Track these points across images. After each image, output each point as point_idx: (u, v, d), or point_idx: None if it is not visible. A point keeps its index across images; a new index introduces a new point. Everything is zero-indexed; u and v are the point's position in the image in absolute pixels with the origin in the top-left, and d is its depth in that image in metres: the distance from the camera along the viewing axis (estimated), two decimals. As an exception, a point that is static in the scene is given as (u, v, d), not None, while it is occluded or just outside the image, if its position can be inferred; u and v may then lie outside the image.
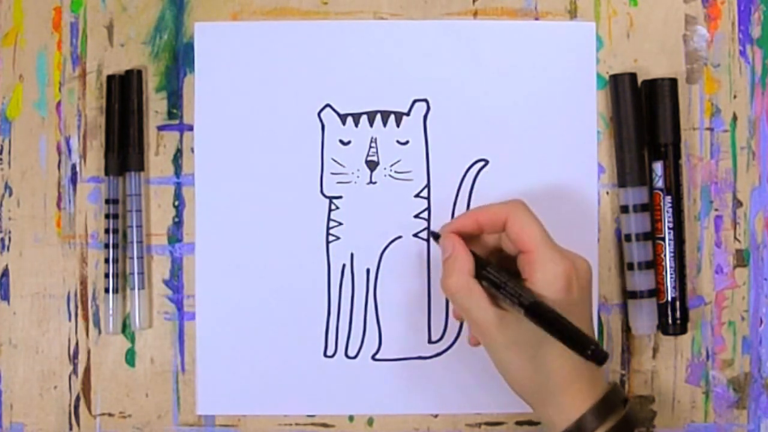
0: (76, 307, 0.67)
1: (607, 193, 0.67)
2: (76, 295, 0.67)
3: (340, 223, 0.67)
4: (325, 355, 0.66)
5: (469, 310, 0.58)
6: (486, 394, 0.66)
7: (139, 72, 0.67)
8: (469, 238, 0.61)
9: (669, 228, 0.65)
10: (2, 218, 0.67)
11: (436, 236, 0.63)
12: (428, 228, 0.67)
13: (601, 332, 0.67)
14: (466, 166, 0.67)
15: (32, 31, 0.67)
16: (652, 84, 0.66)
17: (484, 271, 0.58)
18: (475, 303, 0.57)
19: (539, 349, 0.57)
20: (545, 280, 0.56)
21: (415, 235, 0.67)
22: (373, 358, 0.67)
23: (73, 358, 0.67)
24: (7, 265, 0.67)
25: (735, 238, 0.67)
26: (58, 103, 0.67)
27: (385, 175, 0.67)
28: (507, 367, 0.58)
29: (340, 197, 0.67)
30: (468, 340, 0.63)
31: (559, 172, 0.67)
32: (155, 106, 0.67)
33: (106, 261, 0.66)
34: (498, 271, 0.57)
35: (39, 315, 0.67)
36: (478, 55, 0.67)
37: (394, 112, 0.67)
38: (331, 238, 0.67)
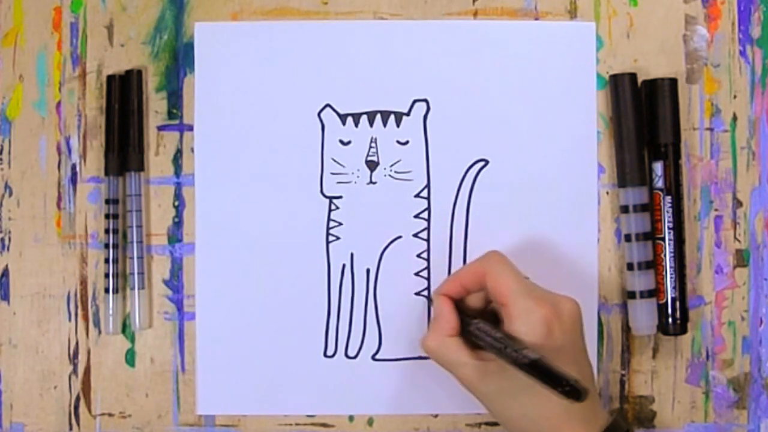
0: (76, 307, 0.67)
1: (607, 193, 0.67)
2: (76, 295, 0.67)
3: (340, 223, 0.67)
4: (325, 355, 0.66)
5: (449, 367, 0.60)
6: (486, 394, 0.66)
7: (139, 72, 0.67)
8: (457, 299, 0.62)
9: (669, 228, 0.65)
10: (2, 218, 0.67)
11: (431, 300, 0.65)
12: (428, 228, 0.67)
13: (601, 332, 0.67)
14: (466, 166, 0.67)
15: (32, 31, 0.67)
16: (652, 84, 0.66)
17: (470, 327, 0.59)
18: (454, 360, 0.59)
19: (526, 396, 0.57)
20: (524, 330, 0.57)
21: (415, 235, 0.67)
22: (373, 358, 0.67)
23: (73, 358, 0.67)
24: (7, 265, 0.67)
25: (735, 238, 0.67)
26: (58, 103, 0.67)
27: (385, 175, 0.67)
28: (499, 415, 0.60)
29: (340, 197, 0.67)
30: None
31: (559, 173, 0.67)
32: (155, 106, 0.67)
33: (106, 261, 0.66)
34: (482, 325, 0.58)
35: (39, 315, 0.67)
36: (478, 55, 0.67)
37: (394, 112, 0.67)
38: (331, 238, 0.67)
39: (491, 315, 0.61)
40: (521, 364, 0.54)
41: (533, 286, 0.60)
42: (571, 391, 0.51)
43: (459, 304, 0.62)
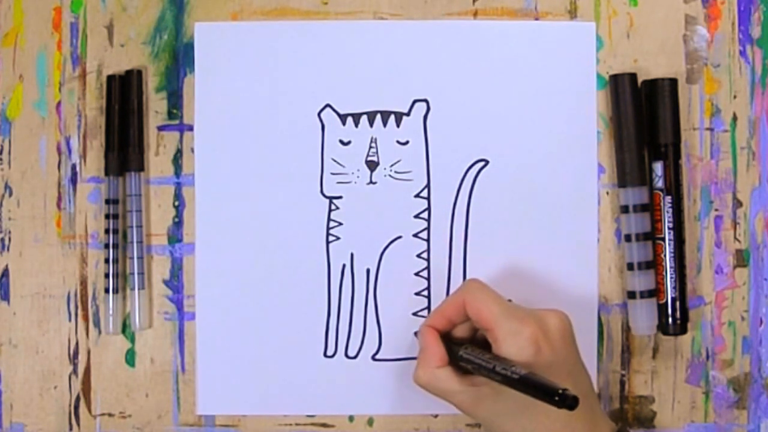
0: (76, 307, 0.67)
1: (607, 193, 0.67)
2: (76, 295, 0.67)
3: (340, 223, 0.67)
4: (325, 355, 0.66)
5: (444, 397, 0.60)
6: (486, 394, 0.66)
7: (139, 72, 0.67)
8: (445, 332, 0.62)
9: (669, 228, 0.65)
10: (2, 218, 0.67)
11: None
12: (428, 228, 0.67)
13: (601, 332, 0.67)
14: (466, 166, 0.67)
15: (32, 31, 0.67)
16: (652, 84, 0.66)
17: (460, 354, 0.59)
18: (446, 389, 0.59)
19: (524, 415, 0.57)
20: (513, 351, 0.57)
21: (415, 235, 0.67)
22: (373, 358, 0.67)
23: (73, 358, 0.67)
24: (7, 265, 0.67)
25: (735, 238, 0.67)
26: (58, 103, 0.67)
27: (385, 175, 0.67)
28: None
29: (340, 197, 0.67)
30: None
31: (559, 173, 0.67)
32: (155, 106, 0.67)
33: (106, 261, 0.66)
34: (470, 349, 0.59)
35: (39, 315, 0.67)
36: (478, 55, 0.67)
37: (394, 112, 0.67)
38: (331, 238, 0.67)
39: (481, 343, 0.61)
40: (511, 380, 0.54)
41: (516, 307, 0.60)
42: (562, 399, 0.51)
43: (448, 336, 0.62)
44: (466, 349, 0.59)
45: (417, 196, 0.67)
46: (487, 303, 0.59)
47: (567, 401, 0.51)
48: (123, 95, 0.66)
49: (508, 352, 0.57)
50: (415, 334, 0.65)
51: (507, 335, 0.57)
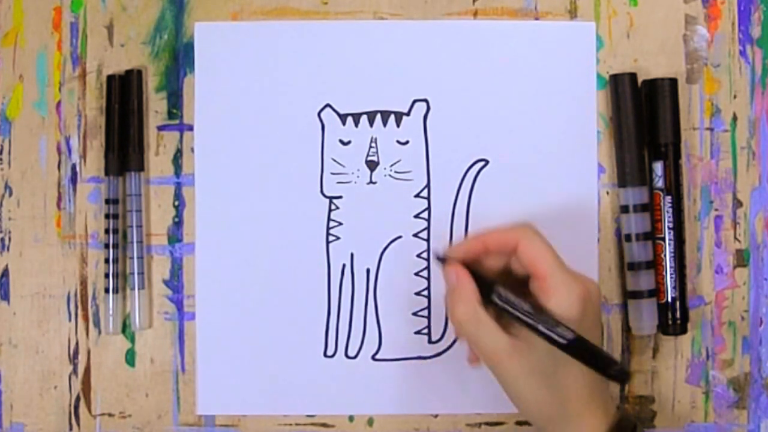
0: (76, 307, 0.67)
1: (607, 193, 0.67)
2: (76, 295, 0.67)
3: (340, 223, 0.67)
4: (325, 355, 0.66)
5: (478, 340, 0.56)
6: (486, 394, 0.66)
7: (139, 72, 0.67)
8: (472, 261, 0.59)
9: (669, 228, 0.65)
10: (2, 218, 0.67)
11: (442, 259, 0.59)
12: (428, 228, 0.66)
13: (601, 332, 0.67)
14: (466, 166, 0.67)
15: (32, 31, 0.67)
16: (652, 84, 0.66)
17: (494, 295, 0.56)
18: (486, 332, 0.56)
19: (555, 374, 0.56)
20: (562, 305, 0.55)
21: (415, 235, 0.67)
22: (373, 358, 0.67)
23: (73, 358, 0.67)
24: (7, 265, 0.67)
25: (735, 238, 0.67)
26: (58, 103, 0.67)
27: (385, 175, 0.67)
28: (521, 395, 0.57)
29: (340, 197, 0.67)
30: (468, 358, 0.62)
31: (559, 172, 0.67)
32: (155, 106, 0.67)
33: (106, 261, 0.66)
34: (503, 294, 0.56)
35: (39, 315, 0.67)
36: (478, 55, 0.67)
37: (394, 112, 0.67)
38: (331, 238, 0.67)
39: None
40: (558, 344, 0.53)
41: (565, 265, 0.57)
42: (618, 372, 0.50)
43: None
44: (499, 292, 0.55)
45: (417, 196, 0.67)
46: (545, 251, 0.57)
47: (622, 375, 0.50)
48: (123, 95, 0.66)
49: (560, 305, 0.55)
50: (439, 259, 0.60)
51: (561, 287, 0.55)
